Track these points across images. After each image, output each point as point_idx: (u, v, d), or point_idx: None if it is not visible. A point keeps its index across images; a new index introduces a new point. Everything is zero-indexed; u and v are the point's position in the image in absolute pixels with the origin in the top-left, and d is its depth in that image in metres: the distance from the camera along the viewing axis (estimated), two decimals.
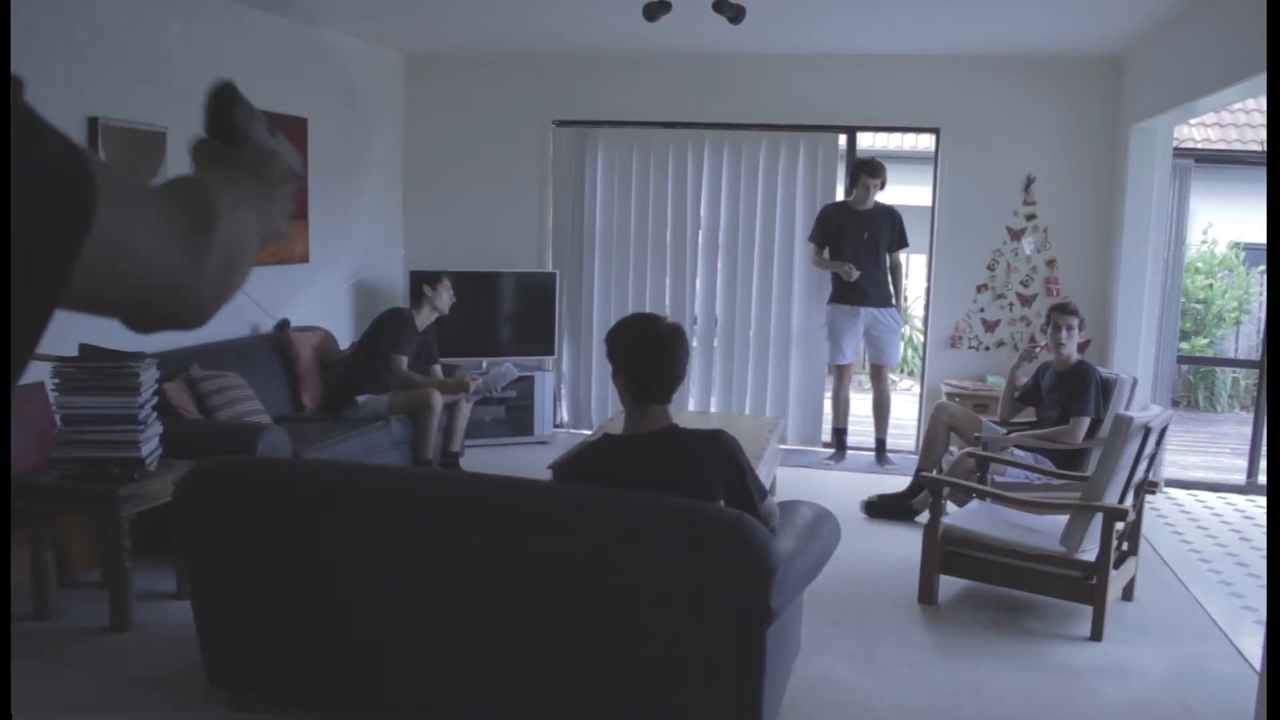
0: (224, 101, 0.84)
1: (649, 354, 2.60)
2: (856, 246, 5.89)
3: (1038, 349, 5.07)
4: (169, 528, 3.07)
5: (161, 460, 3.51)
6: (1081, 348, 4.79)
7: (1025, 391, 4.89)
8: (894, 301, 6.05)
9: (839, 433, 6.19)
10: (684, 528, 2.36)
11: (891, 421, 6.20)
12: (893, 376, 6.39)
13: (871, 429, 6.25)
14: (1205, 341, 9.25)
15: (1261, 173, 6.43)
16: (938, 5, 4.79)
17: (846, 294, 5.95)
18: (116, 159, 4.12)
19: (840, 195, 6.32)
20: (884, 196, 6.03)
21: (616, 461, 2.62)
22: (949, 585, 3.93)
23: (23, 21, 3.67)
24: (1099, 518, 3.58)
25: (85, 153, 0.56)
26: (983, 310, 6.17)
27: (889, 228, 5.93)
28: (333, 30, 5.75)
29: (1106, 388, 4.52)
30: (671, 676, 2.42)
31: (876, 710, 3.01)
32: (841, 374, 6.10)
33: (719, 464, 2.53)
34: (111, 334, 3.74)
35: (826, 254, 6.05)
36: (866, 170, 5.89)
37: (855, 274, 5.84)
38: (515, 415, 6.24)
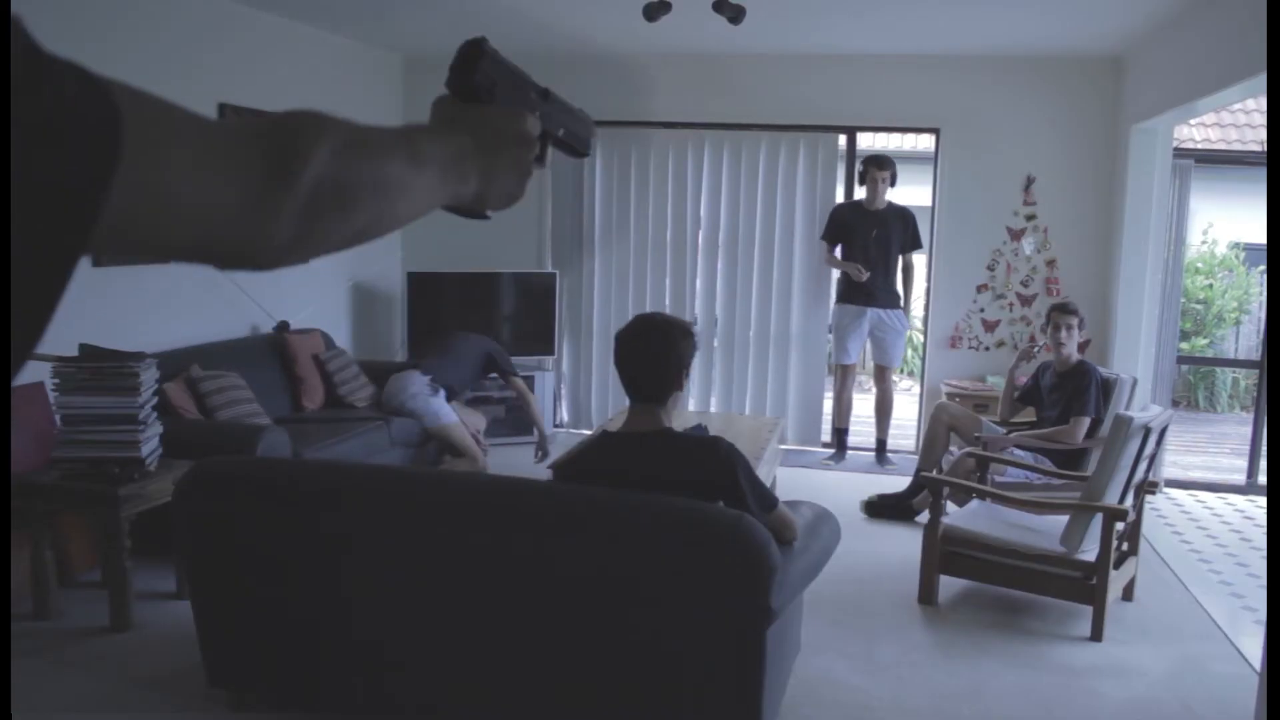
0: (465, 58, 0.79)
1: (621, 350, 2.57)
2: (866, 246, 5.88)
3: (1036, 348, 5.07)
4: (169, 528, 3.07)
5: (161, 460, 3.51)
6: (1082, 348, 4.79)
7: (1025, 391, 4.89)
8: (902, 304, 6.02)
9: (840, 433, 6.19)
10: (684, 528, 2.36)
11: (892, 422, 6.20)
12: (893, 377, 6.38)
13: (872, 429, 6.25)
14: (1205, 342, 9.25)
15: (1261, 173, 6.43)
16: (938, 5, 4.79)
17: (854, 294, 5.94)
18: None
19: (840, 196, 6.33)
20: (887, 195, 6.03)
21: (612, 460, 2.59)
22: (949, 585, 3.93)
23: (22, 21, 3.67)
24: (1099, 518, 3.58)
25: (110, 87, 0.49)
26: (983, 310, 6.17)
27: (901, 228, 5.91)
28: (332, 31, 5.75)
29: (1106, 388, 4.52)
30: (672, 676, 2.42)
31: (876, 710, 3.01)
32: (845, 374, 6.10)
33: (710, 470, 2.48)
34: (112, 334, 3.74)
35: (838, 253, 6.04)
36: (874, 164, 5.89)
37: (865, 275, 5.84)
38: (515, 415, 6.23)
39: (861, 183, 6.00)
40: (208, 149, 0.55)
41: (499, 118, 0.79)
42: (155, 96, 0.53)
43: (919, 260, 6.17)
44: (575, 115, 0.91)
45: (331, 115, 0.63)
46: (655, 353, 2.53)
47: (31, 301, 0.46)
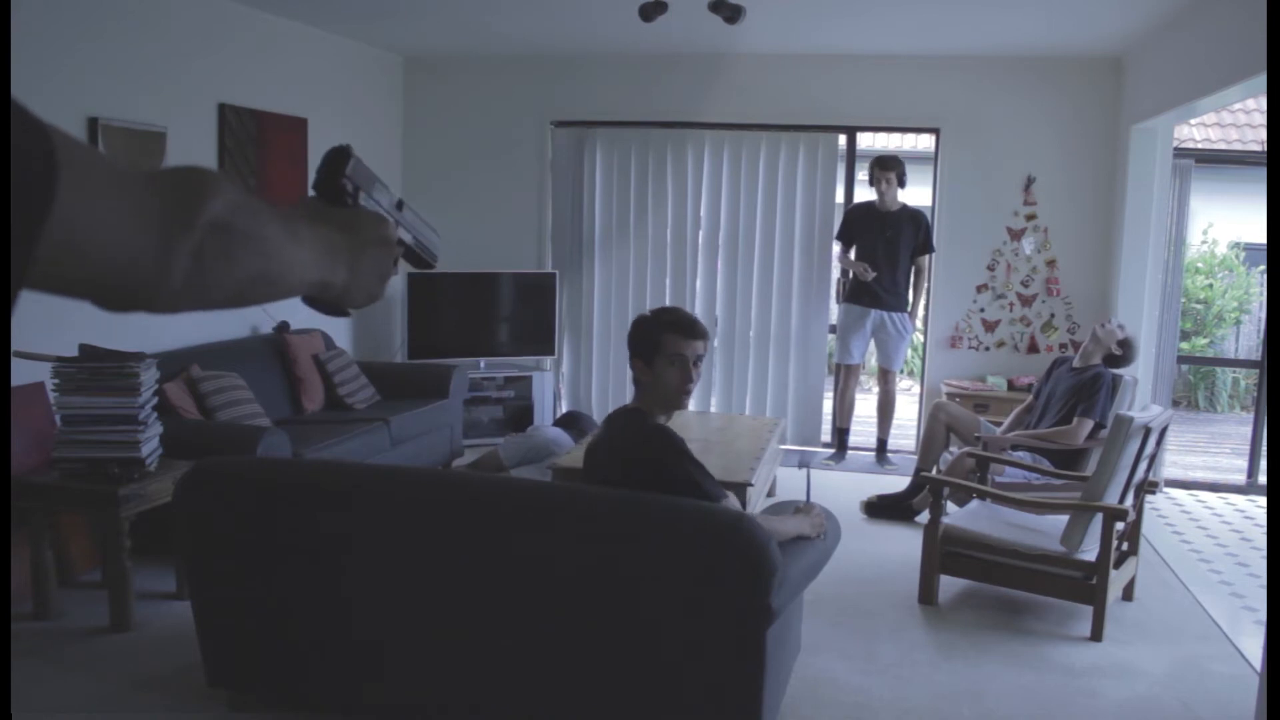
0: (332, 163, 0.86)
1: None
2: (876, 248, 5.86)
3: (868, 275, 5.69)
4: (169, 528, 3.07)
5: (161, 460, 3.51)
6: (1111, 359, 4.69)
7: (1034, 392, 4.88)
8: (909, 308, 5.99)
9: (841, 432, 6.18)
10: (684, 528, 2.36)
11: (893, 422, 6.19)
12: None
13: (873, 429, 6.25)
14: (1205, 341, 9.25)
15: (1261, 173, 6.43)
16: (938, 5, 4.79)
17: (859, 294, 5.92)
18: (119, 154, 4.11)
19: (841, 196, 6.33)
20: (901, 197, 6.00)
21: (595, 444, 2.82)
22: (949, 585, 3.93)
23: (23, 21, 3.67)
24: (1099, 518, 3.58)
25: (49, 130, 0.53)
26: (983, 310, 6.17)
27: (913, 231, 5.87)
28: (332, 31, 5.75)
29: (1114, 392, 4.52)
30: (671, 676, 2.42)
31: (876, 710, 3.01)
32: (848, 374, 6.08)
33: (641, 463, 2.60)
34: (112, 334, 3.74)
35: (852, 253, 6.02)
36: (878, 165, 5.88)
37: (871, 275, 5.83)
38: (515, 415, 6.24)
39: (871, 184, 5.97)
40: (125, 192, 0.60)
41: (364, 221, 0.86)
42: (84, 144, 0.58)
43: (929, 263, 6.14)
44: (425, 226, 0.99)
45: (225, 175, 0.70)
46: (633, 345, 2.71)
47: None
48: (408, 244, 0.96)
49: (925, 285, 6.06)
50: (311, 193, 0.87)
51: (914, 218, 5.91)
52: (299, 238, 0.76)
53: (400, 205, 0.94)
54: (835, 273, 6.17)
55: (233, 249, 0.68)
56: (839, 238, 6.10)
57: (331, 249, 0.80)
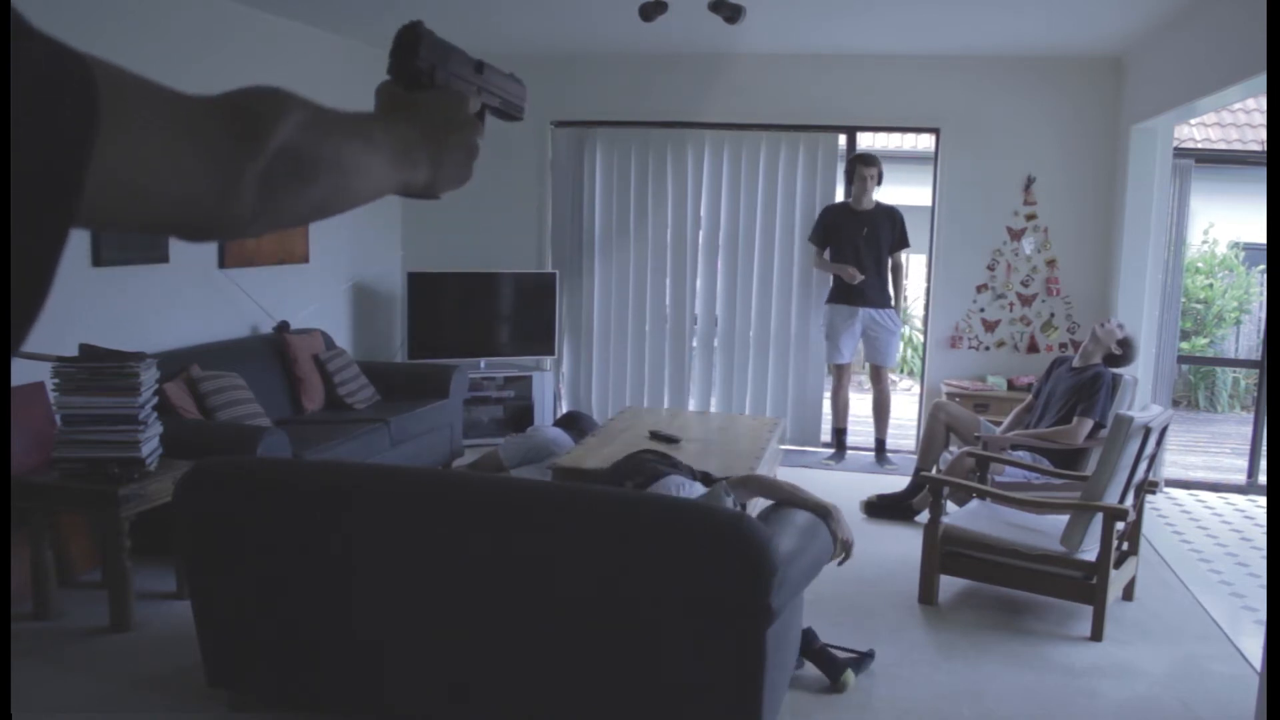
0: (405, 44, 0.80)
1: None
2: (856, 246, 5.89)
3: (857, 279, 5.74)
4: (169, 528, 3.07)
5: (161, 460, 3.51)
6: (1112, 359, 4.69)
7: (1034, 392, 4.89)
8: (893, 303, 6.04)
9: (839, 433, 6.19)
10: (684, 528, 2.36)
11: (891, 421, 6.20)
12: (892, 377, 6.39)
13: (871, 429, 6.25)
14: (1205, 341, 9.26)
15: (1261, 173, 6.43)
16: (938, 5, 4.79)
17: (845, 294, 5.95)
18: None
19: (841, 196, 6.33)
20: (885, 195, 6.04)
21: None
22: (949, 585, 3.93)
23: None
24: (1099, 518, 3.58)
25: (86, 59, 0.49)
26: (983, 310, 6.17)
27: (889, 227, 5.92)
28: (332, 31, 5.75)
29: (1114, 391, 4.52)
30: (672, 676, 2.42)
31: (877, 710, 3.01)
32: (841, 374, 6.10)
33: None
34: (112, 334, 3.74)
35: (827, 254, 6.06)
36: (861, 161, 5.92)
37: (859, 278, 5.85)
38: (515, 415, 6.24)
39: (849, 182, 6.01)
40: (180, 120, 0.57)
41: (444, 105, 0.82)
42: (130, 72, 0.54)
43: (908, 258, 6.18)
44: (509, 81, 0.93)
45: (293, 93, 0.66)
46: None
47: (29, 274, 0.46)
48: (494, 106, 0.92)
49: (902, 281, 6.17)
50: (388, 77, 0.82)
51: (890, 214, 5.94)
52: (374, 144, 0.73)
53: (480, 68, 0.88)
54: (823, 274, 6.17)
55: (303, 171, 0.65)
56: (813, 239, 6.11)
57: (409, 148, 0.77)
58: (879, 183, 5.94)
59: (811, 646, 3.09)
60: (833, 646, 3.18)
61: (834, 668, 3.09)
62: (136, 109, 0.53)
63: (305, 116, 0.64)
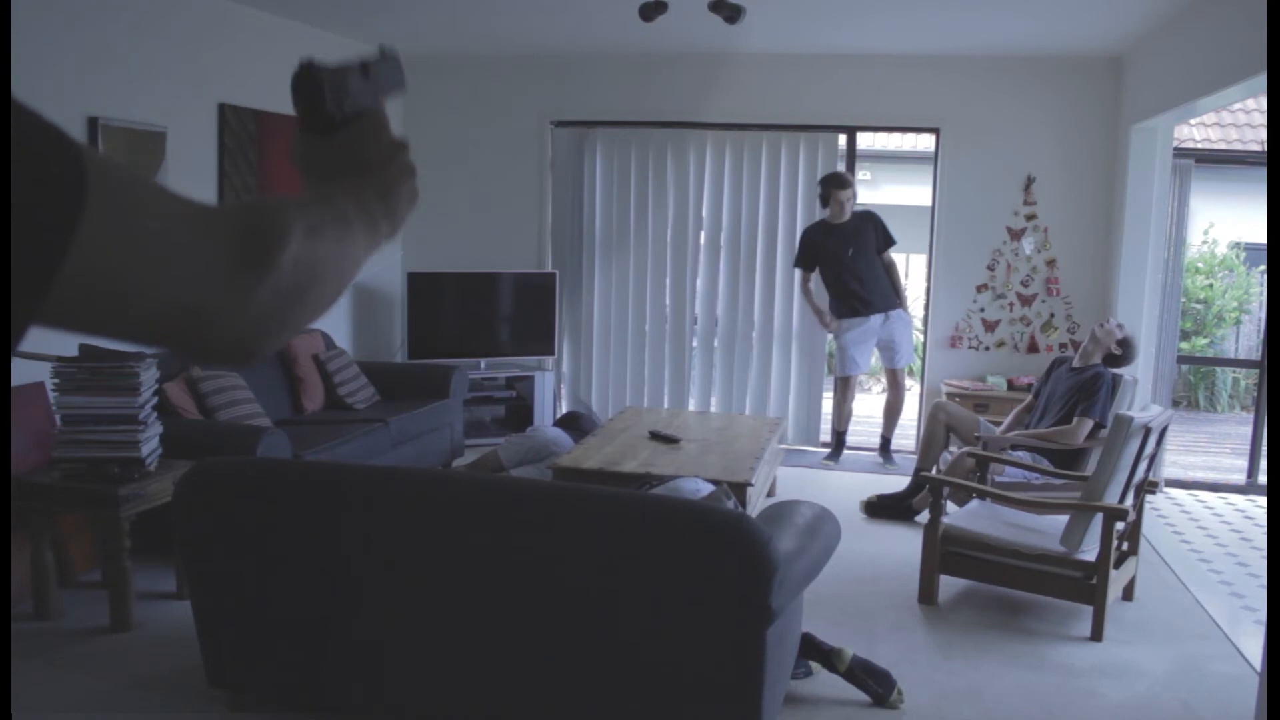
0: (307, 94, 0.73)
1: None
2: (844, 261, 5.85)
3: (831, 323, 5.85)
4: (169, 528, 3.07)
5: (161, 460, 3.51)
6: (1111, 359, 4.68)
7: (1034, 392, 4.88)
8: (899, 301, 6.02)
9: (838, 434, 6.18)
10: (684, 528, 2.36)
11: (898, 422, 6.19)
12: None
13: (873, 428, 6.25)
14: (1205, 341, 9.25)
15: (1261, 173, 6.43)
16: (938, 5, 4.79)
17: (853, 305, 5.89)
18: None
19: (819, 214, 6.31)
20: (885, 195, 6.03)
21: None
22: (949, 585, 3.93)
23: (23, 21, 3.68)
24: (1099, 518, 3.58)
25: (82, 149, 0.47)
26: (983, 310, 6.17)
27: (872, 232, 5.88)
28: (332, 31, 5.75)
29: (1114, 391, 4.51)
30: (672, 676, 2.42)
31: (877, 710, 3.01)
32: (847, 385, 6.06)
33: None
34: None
35: (816, 274, 6.00)
36: (835, 184, 5.82)
37: (834, 326, 5.92)
38: (515, 415, 6.24)
39: (824, 205, 5.91)
40: (176, 221, 0.54)
41: (369, 137, 0.77)
42: (127, 167, 0.52)
43: (907, 257, 6.16)
44: (387, 61, 0.85)
45: (294, 204, 0.63)
46: None
47: None
48: (388, 96, 0.85)
49: (900, 277, 6.12)
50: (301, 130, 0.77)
51: (868, 219, 5.91)
52: (350, 226, 0.70)
53: (366, 70, 0.80)
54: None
55: (302, 284, 0.62)
56: (799, 264, 6.06)
57: (371, 214, 0.73)
58: (854, 199, 5.89)
59: (852, 669, 3.04)
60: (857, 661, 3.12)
61: (885, 683, 3.05)
62: (126, 201, 0.50)
63: (305, 226, 0.62)
